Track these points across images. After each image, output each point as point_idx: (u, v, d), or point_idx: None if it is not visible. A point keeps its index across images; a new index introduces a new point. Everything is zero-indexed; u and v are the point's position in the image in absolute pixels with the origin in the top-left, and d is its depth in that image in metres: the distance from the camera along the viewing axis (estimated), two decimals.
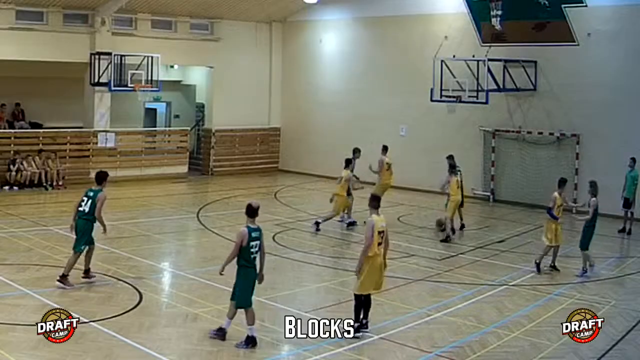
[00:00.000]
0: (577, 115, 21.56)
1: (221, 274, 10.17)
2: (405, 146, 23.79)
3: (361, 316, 10.65)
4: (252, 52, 28.74)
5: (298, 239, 17.36)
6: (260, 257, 10.11)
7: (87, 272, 12.82)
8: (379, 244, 10.54)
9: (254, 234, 10.00)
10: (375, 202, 10.81)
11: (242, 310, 10.07)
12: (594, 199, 14.25)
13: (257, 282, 10.14)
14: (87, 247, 12.72)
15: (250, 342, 9.94)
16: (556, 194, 14.47)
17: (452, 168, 17.92)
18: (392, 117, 25.68)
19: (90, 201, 12.67)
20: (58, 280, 12.31)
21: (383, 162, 18.98)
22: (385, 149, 19.23)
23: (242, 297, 10.03)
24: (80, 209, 12.68)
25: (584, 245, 14.46)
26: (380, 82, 26.22)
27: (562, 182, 14.76)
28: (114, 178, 24.45)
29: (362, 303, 10.63)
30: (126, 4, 23.72)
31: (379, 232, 10.53)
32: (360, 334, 10.44)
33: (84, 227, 12.60)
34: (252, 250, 9.96)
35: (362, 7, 26.68)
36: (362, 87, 26.87)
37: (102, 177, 13.05)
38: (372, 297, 10.89)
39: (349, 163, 18.31)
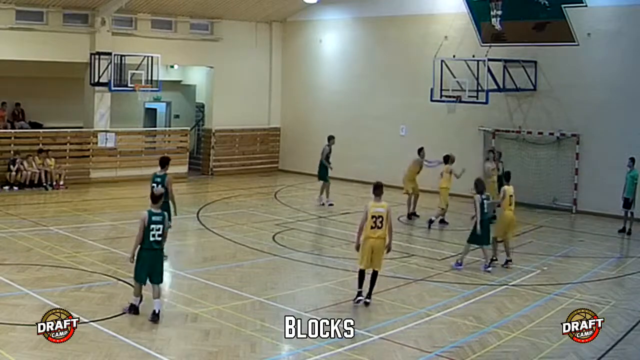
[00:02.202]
0: (577, 115, 21.56)
1: (131, 262, 10.95)
2: (405, 146, 23.75)
3: (362, 288, 11.95)
4: (252, 52, 28.74)
5: (298, 239, 17.37)
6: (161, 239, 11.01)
7: None
8: (372, 227, 11.71)
9: (154, 218, 10.83)
10: (376, 190, 11.95)
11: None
12: (477, 195, 14.65)
13: (162, 259, 11.09)
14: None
15: (155, 316, 10.76)
16: (506, 187, 15.12)
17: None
18: (392, 117, 25.70)
19: (160, 186, 13.73)
20: None
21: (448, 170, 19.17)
22: (446, 159, 19.27)
23: (137, 273, 10.93)
24: None
25: (483, 240, 14.62)
26: (380, 82, 26.23)
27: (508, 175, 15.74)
28: (114, 178, 24.66)
29: (362, 274, 11.93)
30: (126, 4, 23.71)
31: (373, 217, 11.69)
32: (360, 303, 11.85)
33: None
34: (152, 232, 10.77)
35: (362, 7, 26.68)
36: (362, 87, 26.88)
37: (165, 162, 14.65)
38: (372, 295, 11.78)
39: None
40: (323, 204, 21.50)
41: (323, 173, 21.73)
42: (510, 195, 14.97)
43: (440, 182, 19.09)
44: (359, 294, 12.01)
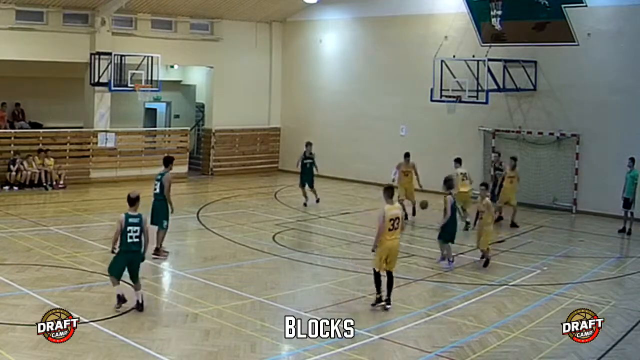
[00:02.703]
0: (577, 115, 21.56)
1: (112, 252, 11.32)
2: (405, 146, 23.70)
3: (381, 292, 11.87)
4: (252, 52, 28.74)
5: (298, 239, 17.38)
6: (143, 240, 11.30)
7: (157, 250, 14.34)
8: (390, 229, 11.73)
9: (131, 220, 11.13)
10: (387, 192, 11.99)
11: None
12: (449, 196, 14.82)
13: (140, 261, 11.34)
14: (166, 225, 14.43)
15: (139, 305, 11.16)
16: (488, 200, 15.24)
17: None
18: (392, 117, 25.70)
19: (159, 183, 14.38)
20: (153, 254, 13.67)
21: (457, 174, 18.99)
22: (458, 161, 19.21)
23: (111, 267, 11.26)
24: (154, 192, 14.15)
25: (446, 238, 14.80)
26: (380, 82, 26.22)
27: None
28: (114, 178, 24.65)
29: (378, 277, 11.89)
30: (126, 4, 23.73)
31: (391, 219, 11.72)
32: (379, 307, 11.75)
33: (160, 207, 14.24)
34: (129, 234, 11.05)
35: (362, 7, 26.68)
36: (362, 87, 26.88)
37: (168, 161, 14.72)
38: (391, 300, 11.83)
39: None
40: (305, 205, 21.32)
41: (302, 177, 21.57)
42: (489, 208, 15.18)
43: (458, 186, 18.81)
44: (379, 299, 11.86)
